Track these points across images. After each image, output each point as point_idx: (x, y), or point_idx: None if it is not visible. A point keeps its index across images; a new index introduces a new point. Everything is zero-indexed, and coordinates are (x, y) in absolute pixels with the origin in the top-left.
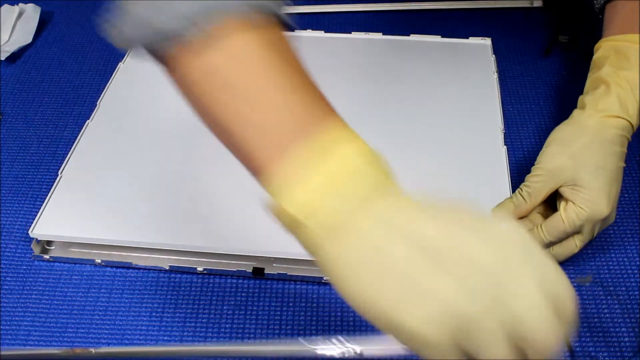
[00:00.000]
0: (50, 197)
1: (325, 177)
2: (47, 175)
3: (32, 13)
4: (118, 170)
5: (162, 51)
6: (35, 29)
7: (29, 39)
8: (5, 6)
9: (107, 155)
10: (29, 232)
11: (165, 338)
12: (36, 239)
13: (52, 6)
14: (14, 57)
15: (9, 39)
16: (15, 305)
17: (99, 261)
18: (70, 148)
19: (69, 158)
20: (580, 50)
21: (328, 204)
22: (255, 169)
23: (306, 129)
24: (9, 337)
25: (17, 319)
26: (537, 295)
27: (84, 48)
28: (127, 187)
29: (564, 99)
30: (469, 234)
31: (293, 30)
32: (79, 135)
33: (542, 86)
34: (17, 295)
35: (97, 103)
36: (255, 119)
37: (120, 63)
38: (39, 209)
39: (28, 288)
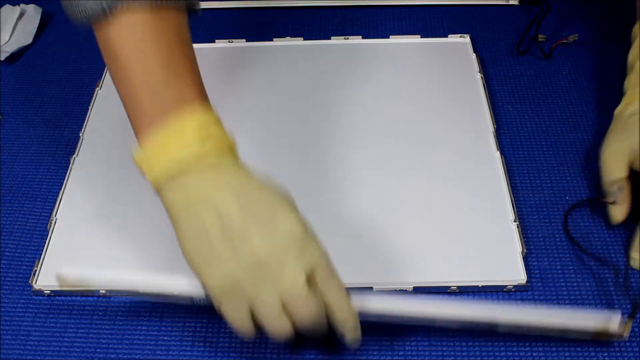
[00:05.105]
0: (48, 243)
1: (164, 147)
2: (47, 175)
3: (34, 14)
4: (113, 205)
5: (94, 25)
6: (35, 29)
7: (29, 40)
8: (6, 6)
9: (99, 191)
10: (32, 282)
11: (165, 338)
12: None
13: (53, 6)
14: (14, 57)
15: (9, 40)
16: (15, 305)
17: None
18: (70, 148)
19: (60, 199)
20: (586, 49)
21: (161, 166)
22: (134, 132)
23: (167, 109)
24: (9, 337)
25: (17, 319)
26: (300, 279)
27: (84, 48)
28: (126, 222)
29: (564, 98)
30: (258, 224)
31: (197, 10)
32: (67, 173)
33: (541, 86)
34: (17, 295)
35: (80, 135)
36: (133, 93)
37: (97, 89)
38: (39, 209)
39: (29, 286)
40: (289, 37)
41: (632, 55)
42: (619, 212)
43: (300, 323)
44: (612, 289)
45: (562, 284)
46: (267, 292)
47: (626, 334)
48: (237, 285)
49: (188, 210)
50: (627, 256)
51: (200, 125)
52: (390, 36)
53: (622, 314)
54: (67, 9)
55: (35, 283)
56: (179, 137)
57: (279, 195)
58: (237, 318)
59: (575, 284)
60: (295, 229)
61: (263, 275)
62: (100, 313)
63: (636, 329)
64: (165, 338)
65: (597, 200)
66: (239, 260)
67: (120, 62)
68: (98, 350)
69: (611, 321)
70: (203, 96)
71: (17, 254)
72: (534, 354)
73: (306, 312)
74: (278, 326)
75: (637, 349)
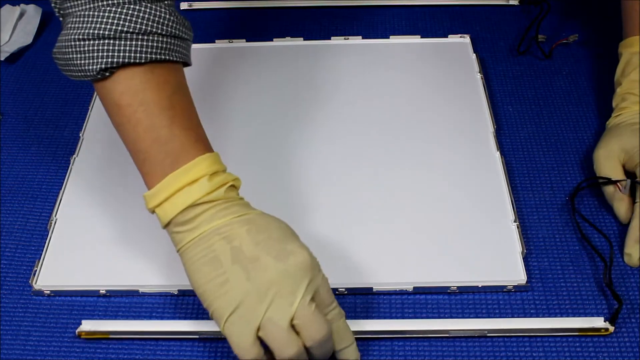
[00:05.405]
0: (48, 243)
1: (177, 192)
2: (47, 175)
3: (34, 14)
4: (113, 205)
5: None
6: (35, 29)
7: (29, 40)
8: (7, 6)
9: (98, 191)
10: (32, 283)
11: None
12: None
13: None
14: (14, 57)
15: (9, 40)
16: (15, 305)
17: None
18: (70, 148)
19: (60, 199)
20: (586, 49)
21: (174, 209)
22: (143, 179)
23: (175, 159)
24: (9, 337)
25: (17, 319)
26: (311, 300)
27: None
28: (126, 222)
29: (564, 98)
30: (269, 249)
31: (189, 64)
32: (67, 173)
33: (541, 86)
34: (17, 295)
35: (80, 135)
36: (140, 144)
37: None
38: (39, 209)
39: (29, 286)
40: (289, 37)
41: (618, 72)
42: (627, 209)
43: (311, 341)
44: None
45: (562, 284)
46: (278, 311)
47: (611, 330)
48: (247, 305)
49: (199, 241)
50: (621, 253)
51: (208, 168)
52: (390, 36)
53: (605, 319)
54: (61, 67)
55: (35, 283)
56: (190, 182)
57: (283, 225)
58: (243, 338)
59: (575, 284)
60: (305, 255)
61: (275, 296)
62: (100, 313)
63: (635, 323)
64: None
65: (608, 182)
66: (251, 280)
67: (123, 112)
68: (98, 350)
69: (595, 323)
70: (204, 139)
71: (17, 254)
72: (534, 354)
73: (316, 330)
74: (286, 346)
75: (634, 337)
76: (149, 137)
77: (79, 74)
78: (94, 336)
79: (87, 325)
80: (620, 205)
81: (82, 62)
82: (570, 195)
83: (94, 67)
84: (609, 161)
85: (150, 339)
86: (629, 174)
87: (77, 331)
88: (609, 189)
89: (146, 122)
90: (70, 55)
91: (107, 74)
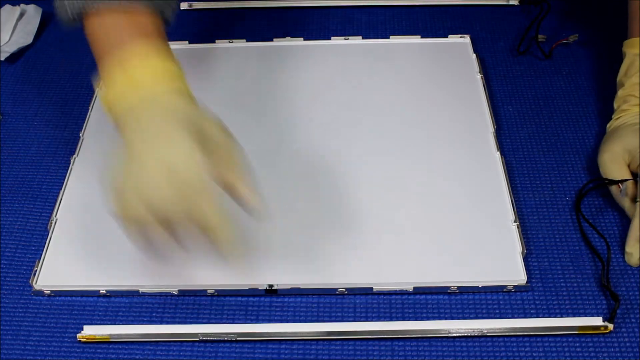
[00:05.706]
0: (48, 243)
1: (123, 68)
2: (47, 175)
3: (34, 14)
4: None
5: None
6: (36, 29)
7: (30, 40)
8: (7, 7)
9: (98, 191)
10: (32, 283)
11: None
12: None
13: (53, 7)
14: (14, 57)
15: (9, 40)
16: (15, 305)
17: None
18: (70, 148)
19: (60, 199)
20: (586, 49)
21: (120, 83)
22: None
23: (123, 43)
24: (10, 336)
25: (17, 319)
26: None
27: (84, 48)
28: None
29: (564, 98)
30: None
31: (169, 23)
32: (67, 173)
33: (541, 86)
34: (17, 295)
35: (80, 135)
36: (110, 62)
37: (97, 88)
38: (39, 209)
39: (29, 286)
40: (289, 37)
41: (621, 73)
42: (631, 208)
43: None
44: (612, 289)
45: (562, 284)
46: (157, 157)
47: (610, 328)
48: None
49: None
50: (622, 252)
51: (155, 58)
52: (390, 36)
53: (604, 318)
54: (58, 15)
55: (35, 283)
56: (140, 53)
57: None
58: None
59: (575, 284)
60: (188, 109)
61: (155, 144)
62: (100, 313)
63: (635, 322)
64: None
65: (610, 183)
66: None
67: (102, 45)
68: (98, 350)
69: (594, 323)
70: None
71: (17, 254)
72: (534, 354)
73: (194, 171)
74: (160, 192)
75: (634, 336)
76: (119, 50)
77: (67, 23)
78: (95, 340)
79: (89, 331)
80: (627, 204)
81: (62, 11)
82: (576, 198)
83: (78, 6)
84: (614, 164)
85: (151, 341)
86: (634, 174)
87: (78, 336)
88: (615, 189)
89: (120, 46)
90: (58, 9)
91: (86, 11)
